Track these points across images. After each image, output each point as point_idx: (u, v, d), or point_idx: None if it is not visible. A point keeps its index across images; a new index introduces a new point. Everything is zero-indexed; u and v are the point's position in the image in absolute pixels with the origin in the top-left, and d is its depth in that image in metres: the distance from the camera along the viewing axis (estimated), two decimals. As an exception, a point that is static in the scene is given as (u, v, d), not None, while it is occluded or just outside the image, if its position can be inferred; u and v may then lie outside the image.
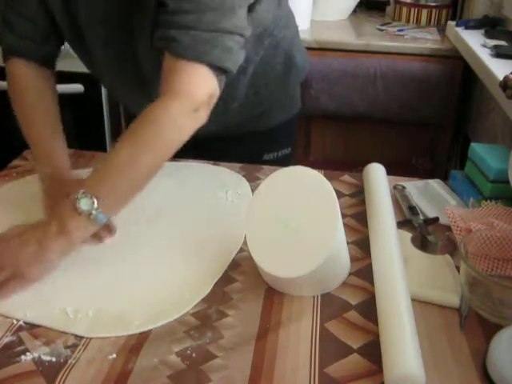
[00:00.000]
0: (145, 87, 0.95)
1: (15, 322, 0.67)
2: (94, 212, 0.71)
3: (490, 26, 1.68)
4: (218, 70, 0.80)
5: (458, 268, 0.75)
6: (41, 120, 0.92)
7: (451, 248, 0.81)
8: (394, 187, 0.97)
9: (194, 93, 0.79)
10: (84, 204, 0.71)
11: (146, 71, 0.94)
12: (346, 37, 1.91)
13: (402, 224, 0.86)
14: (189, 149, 0.85)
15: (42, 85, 0.95)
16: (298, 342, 0.64)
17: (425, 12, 2.05)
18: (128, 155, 0.75)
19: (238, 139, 1.10)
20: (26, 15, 0.92)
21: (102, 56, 0.96)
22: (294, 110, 1.19)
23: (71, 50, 1.02)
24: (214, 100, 0.82)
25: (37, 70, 0.95)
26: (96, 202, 0.71)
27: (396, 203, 0.92)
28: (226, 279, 0.75)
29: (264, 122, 1.13)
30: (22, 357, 0.62)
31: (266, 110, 1.11)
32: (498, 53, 1.37)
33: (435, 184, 0.98)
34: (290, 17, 1.10)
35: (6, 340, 0.64)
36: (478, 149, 0.92)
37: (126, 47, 0.92)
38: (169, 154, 0.78)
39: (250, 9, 0.87)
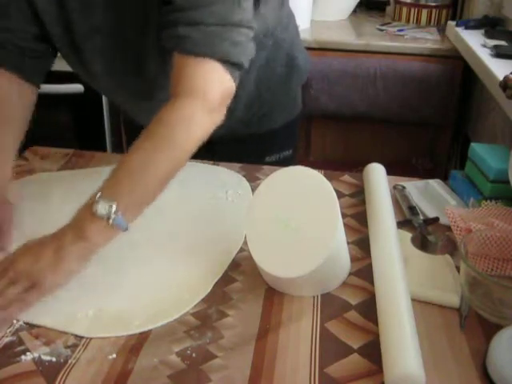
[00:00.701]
0: (148, 99, 0.94)
1: (15, 321, 0.67)
2: (112, 216, 0.68)
3: (490, 25, 1.68)
4: (230, 64, 0.78)
5: (458, 268, 0.75)
6: None
7: (451, 248, 0.81)
8: (394, 187, 0.96)
9: (208, 91, 0.77)
10: (102, 208, 0.68)
11: (152, 82, 0.93)
12: (346, 37, 1.91)
13: (402, 224, 0.86)
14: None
15: (14, 98, 0.89)
16: (298, 341, 0.64)
17: (425, 12, 2.05)
18: (142, 159, 0.73)
19: (239, 141, 1.10)
20: (10, 28, 0.88)
21: (101, 69, 0.93)
22: (295, 111, 1.18)
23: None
24: (231, 97, 0.80)
25: (15, 83, 0.90)
26: (114, 206, 0.68)
27: (396, 203, 0.92)
28: (226, 279, 0.75)
29: (265, 124, 1.12)
30: (22, 357, 0.62)
31: (267, 113, 1.11)
32: (498, 53, 1.37)
33: (435, 184, 0.98)
34: (290, 17, 1.09)
35: (6, 340, 0.64)
36: (478, 149, 0.92)
37: (130, 56, 0.90)
38: (184, 157, 0.75)
39: (256, 6, 0.85)
